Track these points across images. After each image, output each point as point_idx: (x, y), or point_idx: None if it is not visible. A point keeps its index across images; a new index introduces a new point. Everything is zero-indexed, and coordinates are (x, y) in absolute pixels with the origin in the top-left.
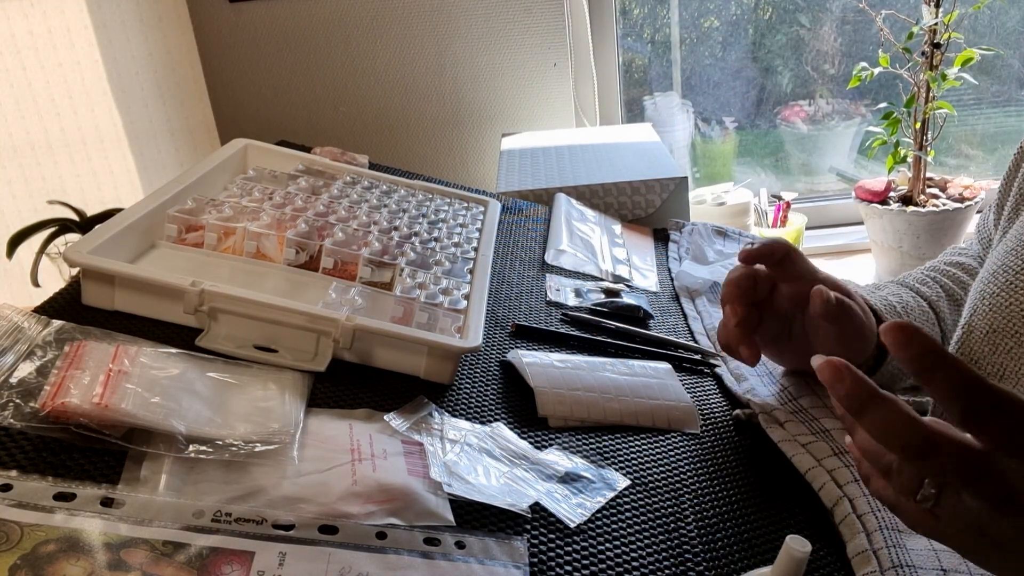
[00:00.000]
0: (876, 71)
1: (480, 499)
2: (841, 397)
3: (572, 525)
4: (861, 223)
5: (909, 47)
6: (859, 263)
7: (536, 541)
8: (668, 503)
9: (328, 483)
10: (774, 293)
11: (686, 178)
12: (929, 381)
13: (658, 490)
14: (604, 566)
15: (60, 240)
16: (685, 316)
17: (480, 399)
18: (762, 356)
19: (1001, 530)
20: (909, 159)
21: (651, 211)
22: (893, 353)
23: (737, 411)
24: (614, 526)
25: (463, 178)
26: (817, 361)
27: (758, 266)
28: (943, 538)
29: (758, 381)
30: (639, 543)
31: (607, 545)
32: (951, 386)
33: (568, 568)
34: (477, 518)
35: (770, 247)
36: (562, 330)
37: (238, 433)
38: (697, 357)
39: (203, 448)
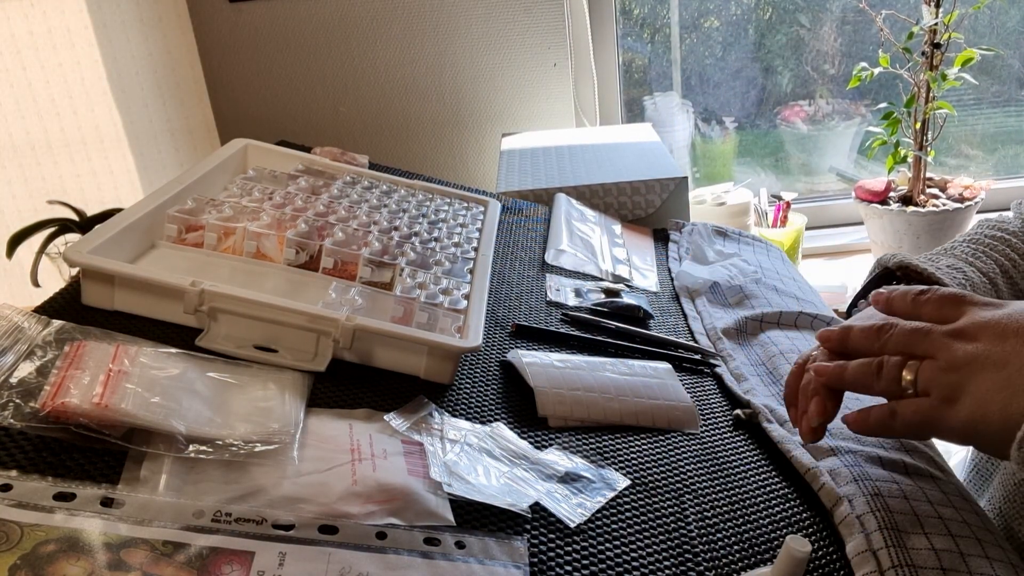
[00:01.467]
0: (876, 71)
1: (480, 499)
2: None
3: (572, 525)
4: (861, 223)
5: (909, 47)
6: (859, 263)
7: (536, 541)
8: (668, 503)
9: (328, 483)
10: None
11: (686, 178)
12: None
13: (658, 490)
14: (604, 566)
15: (60, 240)
16: (685, 316)
17: (480, 399)
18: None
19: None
20: (909, 159)
21: (651, 211)
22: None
23: (737, 411)
24: (614, 526)
25: (463, 178)
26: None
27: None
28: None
29: (758, 381)
30: (639, 543)
31: (607, 545)
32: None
33: (568, 568)
34: (477, 518)
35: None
36: (562, 330)
37: (238, 433)
38: (697, 357)
39: (203, 448)
